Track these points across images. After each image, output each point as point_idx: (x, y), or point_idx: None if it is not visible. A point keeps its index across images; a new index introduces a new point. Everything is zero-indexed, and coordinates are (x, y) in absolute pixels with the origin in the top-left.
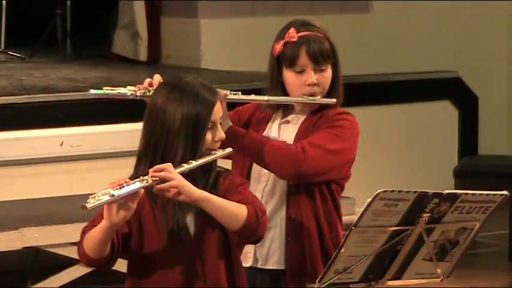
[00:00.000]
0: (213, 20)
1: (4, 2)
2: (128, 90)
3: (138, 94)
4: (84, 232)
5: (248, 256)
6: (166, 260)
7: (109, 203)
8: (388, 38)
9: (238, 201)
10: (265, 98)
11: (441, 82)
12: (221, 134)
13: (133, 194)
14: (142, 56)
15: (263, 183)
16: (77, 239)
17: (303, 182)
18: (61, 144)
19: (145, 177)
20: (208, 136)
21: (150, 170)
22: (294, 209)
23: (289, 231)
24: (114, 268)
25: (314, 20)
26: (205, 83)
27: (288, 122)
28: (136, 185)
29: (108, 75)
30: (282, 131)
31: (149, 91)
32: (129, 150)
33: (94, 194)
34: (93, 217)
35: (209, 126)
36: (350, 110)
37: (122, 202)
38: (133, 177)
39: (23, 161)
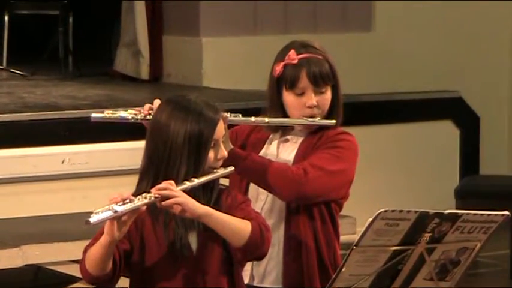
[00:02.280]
0: (215, 38)
1: (6, 19)
2: (129, 114)
3: (139, 118)
4: (85, 251)
5: (245, 274)
6: (168, 276)
7: (111, 219)
8: (389, 57)
9: (242, 218)
10: (266, 120)
11: (442, 102)
12: (223, 152)
13: (134, 211)
14: (144, 74)
15: (261, 201)
16: (78, 256)
17: (303, 203)
18: (63, 162)
19: (148, 194)
20: (211, 154)
21: (153, 189)
22: (293, 228)
23: (287, 249)
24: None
25: (314, 40)
26: (208, 101)
27: (287, 140)
28: (140, 201)
29: (109, 93)
30: (281, 150)
31: (150, 115)
32: (131, 168)
33: (97, 209)
34: (94, 236)
35: (212, 145)
36: (351, 129)
37: (123, 218)
38: (135, 194)
39: (24, 179)
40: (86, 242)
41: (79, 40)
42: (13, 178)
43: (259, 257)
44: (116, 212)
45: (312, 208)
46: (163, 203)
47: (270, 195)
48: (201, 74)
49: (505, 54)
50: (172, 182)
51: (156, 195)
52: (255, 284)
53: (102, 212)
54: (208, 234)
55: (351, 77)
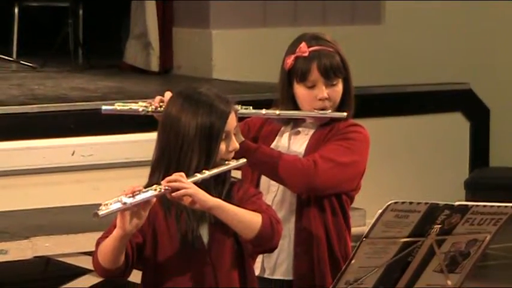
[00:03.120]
0: (225, 30)
1: (16, 11)
2: (139, 106)
3: (149, 110)
4: (98, 244)
5: (256, 266)
6: (180, 269)
7: (121, 211)
8: (399, 49)
9: (253, 211)
10: (277, 112)
11: (453, 94)
12: (235, 144)
13: (145, 202)
14: (154, 66)
15: (273, 193)
16: (88, 248)
17: (314, 195)
18: (72, 154)
19: (158, 186)
20: (222, 146)
21: (164, 181)
22: (304, 220)
23: (298, 241)
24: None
25: (325, 33)
26: (219, 93)
27: (298, 132)
28: (149, 193)
29: (119, 85)
30: (292, 142)
31: (161, 107)
32: (141, 160)
33: (106, 202)
34: (107, 228)
35: (223, 137)
36: (361, 121)
37: (134, 210)
38: (147, 186)
39: (34, 171)
40: (96, 234)
41: (89, 32)
42: (23, 170)
43: (270, 250)
44: (125, 203)
45: (322, 200)
46: (173, 194)
47: (281, 187)
48: (211, 66)
49: None
50: (182, 174)
51: (166, 187)
52: (265, 276)
53: (110, 204)
54: (219, 226)
55: (360, 70)
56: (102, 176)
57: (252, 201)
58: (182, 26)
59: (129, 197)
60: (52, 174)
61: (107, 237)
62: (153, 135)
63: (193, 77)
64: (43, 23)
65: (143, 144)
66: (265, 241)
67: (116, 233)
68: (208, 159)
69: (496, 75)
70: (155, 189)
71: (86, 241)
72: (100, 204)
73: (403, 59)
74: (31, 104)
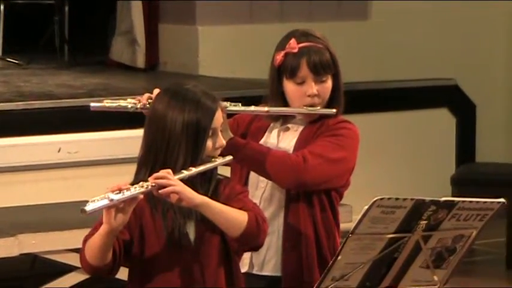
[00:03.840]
0: (211, 26)
1: (2, 8)
2: (128, 103)
3: (138, 107)
4: (85, 241)
5: (244, 262)
6: (166, 266)
7: (108, 208)
8: (385, 45)
9: (239, 209)
10: (266, 109)
11: (439, 90)
12: (222, 141)
13: (132, 199)
14: (140, 62)
15: (261, 189)
16: (74, 245)
17: (303, 191)
18: (58, 151)
19: (145, 183)
20: (209, 143)
21: (150, 178)
22: (292, 216)
23: (286, 238)
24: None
25: (314, 29)
26: (206, 90)
27: (287, 129)
28: (136, 190)
29: (105, 82)
30: (281, 138)
31: (149, 104)
32: (127, 157)
33: (93, 198)
34: (94, 225)
35: (210, 134)
36: (346, 117)
37: (120, 206)
38: (133, 183)
39: (20, 167)
40: (83, 231)
41: (75, 29)
42: (9, 167)
43: (255, 248)
44: (112, 200)
45: (311, 196)
46: (160, 191)
47: (270, 183)
48: (197, 63)
49: (501, 42)
50: (169, 170)
51: (153, 184)
52: (254, 272)
53: (98, 200)
54: (206, 224)
55: (346, 66)
56: (89, 173)
57: (238, 199)
58: (168, 22)
59: (116, 193)
60: (38, 171)
61: (94, 234)
62: (138, 132)
63: (179, 73)
64: (29, 20)
65: (129, 141)
66: (251, 239)
67: (103, 229)
68: (195, 156)
69: (482, 71)
70: (142, 186)
71: (73, 238)
72: (87, 201)
73: (390, 55)
74: (17, 101)
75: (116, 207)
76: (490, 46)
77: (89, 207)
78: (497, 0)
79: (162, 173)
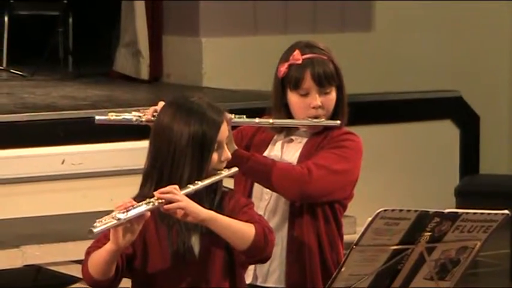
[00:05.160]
0: (215, 38)
1: (6, 19)
2: (133, 116)
3: (143, 120)
4: (88, 253)
5: (248, 273)
6: (170, 280)
7: (115, 227)
8: (389, 57)
9: (245, 221)
10: (270, 121)
11: (443, 101)
12: (227, 154)
13: (139, 217)
14: (144, 74)
15: (265, 201)
16: (78, 257)
17: (307, 203)
18: (62, 162)
19: (151, 199)
20: (215, 156)
21: (156, 192)
22: (296, 228)
23: (290, 250)
24: None
25: (318, 41)
26: (211, 102)
27: (291, 140)
28: (143, 207)
29: (109, 94)
30: (285, 150)
31: (154, 117)
32: (131, 168)
33: (100, 218)
34: (97, 237)
35: (216, 147)
36: (350, 128)
37: (128, 225)
38: (138, 197)
39: (24, 179)
40: (87, 243)
41: (79, 40)
42: (13, 178)
43: (263, 260)
44: (119, 219)
45: (315, 208)
46: (165, 207)
47: (274, 195)
48: (201, 74)
49: (505, 54)
50: (176, 186)
51: (159, 201)
52: (258, 283)
53: (105, 220)
54: (210, 237)
55: (350, 77)
56: (92, 184)
57: (243, 212)
58: (172, 34)
59: (123, 212)
60: (42, 183)
61: (97, 246)
62: (142, 144)
63: (183, 85)
64: (33, 31)
65: (133, 152)
66: (259, 251)
67: (109, 247)
68: (201, 169)
69: (486, 82)
70: (148, 203)
71: (77, 249)
72: (90, 213)
73: (393, 66)
74: (21, 113)
75: (123, 226)
76: (495, 58)
77: (96, 228)
78: (501, 13)
79: (169, 188)
